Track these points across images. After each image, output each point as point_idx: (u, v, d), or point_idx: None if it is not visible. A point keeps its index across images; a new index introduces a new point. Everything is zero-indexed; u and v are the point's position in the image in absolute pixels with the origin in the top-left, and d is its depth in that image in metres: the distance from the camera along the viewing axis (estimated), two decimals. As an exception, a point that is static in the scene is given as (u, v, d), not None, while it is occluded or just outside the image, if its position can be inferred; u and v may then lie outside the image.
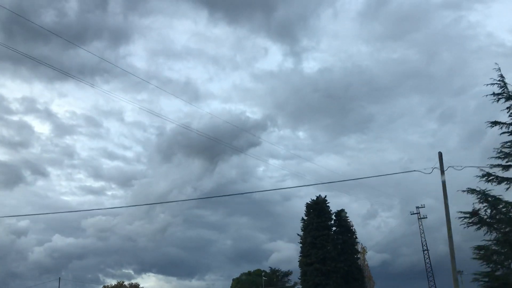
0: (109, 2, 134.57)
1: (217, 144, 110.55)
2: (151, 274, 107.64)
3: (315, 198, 62.20)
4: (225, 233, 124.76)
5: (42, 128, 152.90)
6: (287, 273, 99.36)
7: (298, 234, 62.19)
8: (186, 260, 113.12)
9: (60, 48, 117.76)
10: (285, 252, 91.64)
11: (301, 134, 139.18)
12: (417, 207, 73.17)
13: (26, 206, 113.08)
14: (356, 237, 61.73)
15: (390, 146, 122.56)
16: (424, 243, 71.04)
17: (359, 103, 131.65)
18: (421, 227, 72.21)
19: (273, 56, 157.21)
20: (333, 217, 62.68)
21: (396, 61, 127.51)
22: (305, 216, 62.03)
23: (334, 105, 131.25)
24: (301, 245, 61.18)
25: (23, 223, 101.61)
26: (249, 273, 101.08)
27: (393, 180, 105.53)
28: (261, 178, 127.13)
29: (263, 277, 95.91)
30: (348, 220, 62.73)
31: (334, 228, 62.14)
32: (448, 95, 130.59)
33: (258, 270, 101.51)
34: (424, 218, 72.38)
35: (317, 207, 61.15)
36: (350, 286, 57.90)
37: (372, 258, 69.37)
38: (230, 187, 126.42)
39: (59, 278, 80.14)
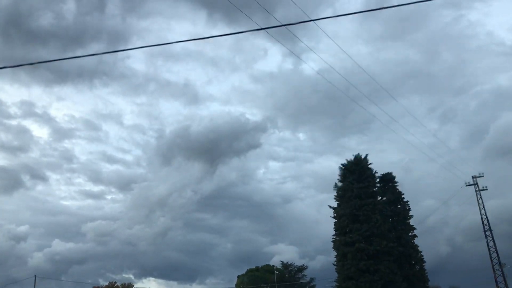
0: (107, 4, 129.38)
1: (216, 146, 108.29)
2: (152, 279, 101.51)
3: (352, 159, 46.58)
4: (225, 237, 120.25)
5: (40, 132, 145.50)
6: (302, 268, 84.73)
7: (330, 207, 46.56)
8: (186, 264, 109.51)
9: (59, 50, 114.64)
10: (287, 255, 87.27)
11: (301, 135, 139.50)
12: (474, 177, 57.25)
13: (26, 211, 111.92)
14: (409, 208, 45.92)
15: (391, 146, 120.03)
16: (486, 222, 55.08)
17: (360, 104, 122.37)
18: (480, 201, 56.27)
19: (273, 57, 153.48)
20: (377, 183, 47.12)
21: (396, 61, 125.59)
22: (340, 181, 46.43)
23: (334, 106, 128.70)
24: (335, 220, 45.52)
25: (23, 228, 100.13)
26: (256, 269, 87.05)
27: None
28: (261, 180, 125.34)
29: (276, 272, 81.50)
30: (397, 187, 47.07)
31: (379, 198, 46.45)
32: (448, 95, 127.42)
33: (267, 265, 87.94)
34: (484, 190, 56.52)
35: (357, 169, 45.53)
36: (406, 273, 42.22)
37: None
38: (231, 190, 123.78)
39: (35, 275, 70.63)
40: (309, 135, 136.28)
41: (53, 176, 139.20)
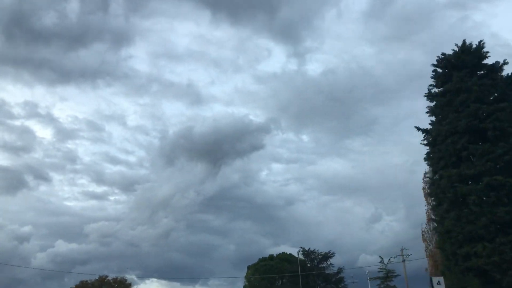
0: (110, 3, 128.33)
1: (219, 147, 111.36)
2: (154, 280, 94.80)
3: (456, 50, 27.85)
4: (228, 238, 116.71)
5: (44, 132, 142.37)
6: (327, 256, 68.30)
7: (418, 129, 27.89)
8: (189, 265, 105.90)
9: (62, 50, 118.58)
10: (290, 256, 72.43)
11: (304, 137, 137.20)
12: None
13: (29, 212, 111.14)
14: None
15: (395, 148, 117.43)
16: None
17: (363, 105, 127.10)
18: None
19: (276, 58, 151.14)
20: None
21: (400, 62, 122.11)
22: (435, 85, 27.77)
23: (338, 108, 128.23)
24: (428, 148, 26.92)
25: (26, 228, 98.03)
26: (270, 257, 72.37)
27: (397, 183, 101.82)
28: (264, 182, 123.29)
29: (299, 257, 65.08)
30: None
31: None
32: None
33: (283, 253, 73.31)
34: None
35: (469, 60, 26.82)
36: None
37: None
38: (233, 191, 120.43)
39: (-1, 263, 65.40)
40: (313, 137, 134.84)
41: (56, 177, 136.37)
